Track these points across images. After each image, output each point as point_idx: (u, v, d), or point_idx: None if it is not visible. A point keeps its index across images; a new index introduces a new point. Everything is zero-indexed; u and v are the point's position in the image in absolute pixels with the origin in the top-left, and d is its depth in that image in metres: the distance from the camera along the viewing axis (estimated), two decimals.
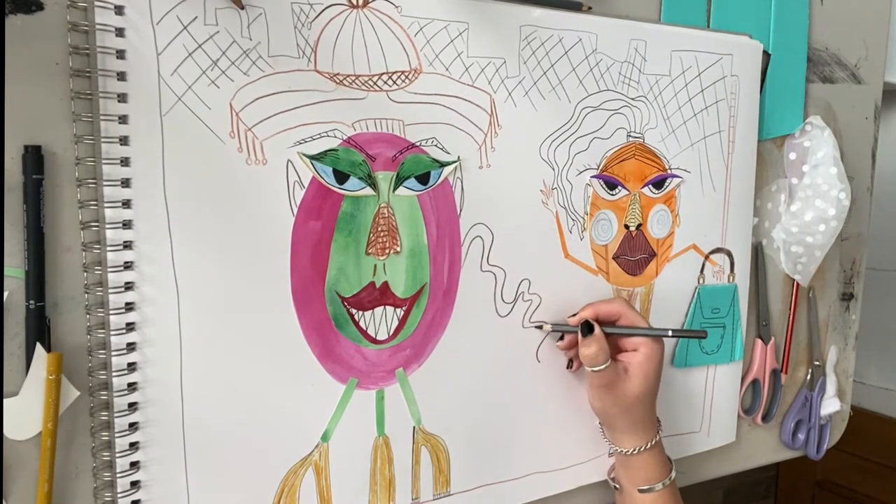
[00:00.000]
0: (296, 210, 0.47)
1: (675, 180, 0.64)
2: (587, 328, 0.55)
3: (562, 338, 0.59)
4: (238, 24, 0.43)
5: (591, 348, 0.54)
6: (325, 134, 0.47)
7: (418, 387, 0.53)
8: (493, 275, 0.55)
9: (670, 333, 0.57)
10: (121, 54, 0.40)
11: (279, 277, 0.47)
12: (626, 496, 0.60)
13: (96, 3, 0.39)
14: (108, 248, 0.41)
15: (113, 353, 0.42)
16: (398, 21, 0.49)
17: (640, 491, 0.58)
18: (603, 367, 0.54)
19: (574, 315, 0.57)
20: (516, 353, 0.57)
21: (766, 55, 0.69)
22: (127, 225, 0.41)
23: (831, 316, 0.81)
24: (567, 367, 0.60)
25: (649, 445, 0.57)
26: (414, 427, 0.53)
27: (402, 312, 0.52)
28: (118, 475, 0.42)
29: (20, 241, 0.40)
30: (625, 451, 0.58)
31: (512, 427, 0.58)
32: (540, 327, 0.57)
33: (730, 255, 0.69)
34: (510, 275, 0.56)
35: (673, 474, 0.59)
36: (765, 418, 0.76)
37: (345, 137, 0.48)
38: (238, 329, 0.45)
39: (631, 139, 0.61)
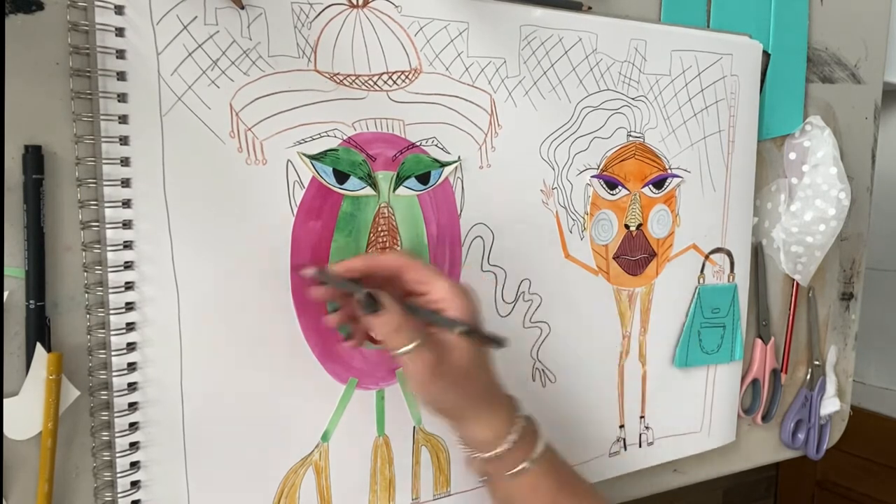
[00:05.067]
0: (296, 210, 0.47)
1: (676, 180, 0.64)
2: (372, 301, 0.42)
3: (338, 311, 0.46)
4: (238, 24, 0.43)
5: (390, 325, 0.42)
6: (325, 134, 0.47)
7: None
8: (493, 275, 0.55)
9: (466, 330, 0.43)
10: (121, 54, 0.40)
11: (279, 277, 0.46)
12: (492, 483, 0.48)
13: (96, 3, 0.39)
14: (108, 248, 0.41)
15: (113, 353, 0.42)
16: (398, 21, 0.49)
17: (509, 476, 0.46)
18: (413, 346, 0.42)
19: (341, 267, 0.45)
20: (516, 353, 0.57)
21: (766, 55, 0.69)
22: (127, 225, 0.41)
23: (831, 316, 0.81)
24: (345, 340, 0.48)
25: (517, 431, 0.45)
26: (414, 427, 0.53)
27: None
28: (118, 475, 0.42)
29: (20, 241, 0.40)
30: (486, 454, 0.45)
31: None
32: (311, 271, 0.45)
33: (730, 254, 0.69)
34: (510, 275, 0.56)
35: (541, 443, 0.47)
36: (765, 418, 0.76)
37: (345, 137, 0.48)
38: (238, 329, 0.45)
39: (631, 139, 0.61)
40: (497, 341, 0.44)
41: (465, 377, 0.44)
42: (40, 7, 0.39)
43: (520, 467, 0.45)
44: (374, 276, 0.45)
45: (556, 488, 0.47)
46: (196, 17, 0.42)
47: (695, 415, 0.69)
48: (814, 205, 0.71)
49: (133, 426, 0.43)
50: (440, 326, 0.43)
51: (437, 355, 0.43)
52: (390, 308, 0.43)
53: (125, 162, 0.41)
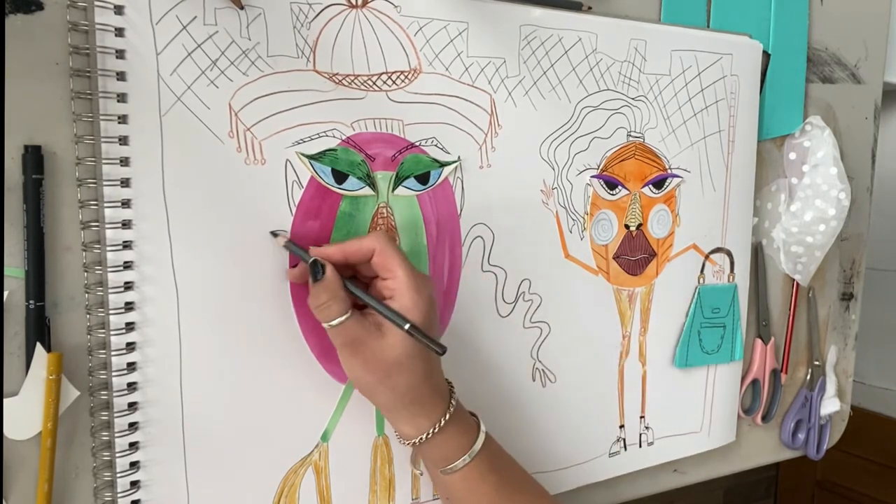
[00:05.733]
0: (294, 210, 0.47)
1: (676, 180, 0.64)
2: (317, 269, 0.43)
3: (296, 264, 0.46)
4: (237, 24, 0.43)
5: (319, 298, 0.43)
6: (323, 134, 0.47)
7: None
8: (493, 275, 0.55)
9: (407, 327, 0.43)
10: (120, 54, 0.40)
11: (278, 277, 0.47)
12: (433, 478, 0.49)
13: (96, 3, 0.39)
14: (108, 248, 0.41)
15: (113, 353, 0.42)
16: (397, 21, 0.49)
17: (443, 472, 0.46)
18: (337, 321, 0.43)
19: (320, 246, 0.45)
20: (517, 353, 0.57)
21: (766, 55, 0.69)
22: (127, 225, 0.41)
23: (831, 316, 0.81)
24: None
25: (436, 429, 0.45)
26: None
27: None
28: (118, 475, 0.42)
29: (20, 241, 0.40)
30: (406, 441, 0.46)
31: (512, 427, 0.58)
32: (275, 235, 0.45)
33: (730, 254, 0.69)
34: (511, 275, 0.56)
35: (479, 441, 0.47)
36: (765, 418, 0.76)
37: (344, 137, 0.48)
38: (237, 329, 0.45)
39: (631, 139, 0.61)
40: (436, 347, 0.44)
41: (390, 370, 0.43)
42: (40, 7, 0.39)
43: (451, 465, 0.46)
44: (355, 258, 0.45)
45: (494, 490, 0.47)
46: (195, 17, 0.42)
47: (695, 415, 0.69)
48: (814, 205, 0.71)
49: (133, 426, 0.43)
50: (384, 317, 0.44)
51: (364, 337, 0.43)
52: (328, 278, 0.43)
53: (125, 162, 0.41)
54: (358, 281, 0.47)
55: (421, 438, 0.45)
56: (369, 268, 0.46)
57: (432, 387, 0.46)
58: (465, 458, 0.46)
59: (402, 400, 0.45)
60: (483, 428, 0.48)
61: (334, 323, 0.43)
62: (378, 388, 0.44)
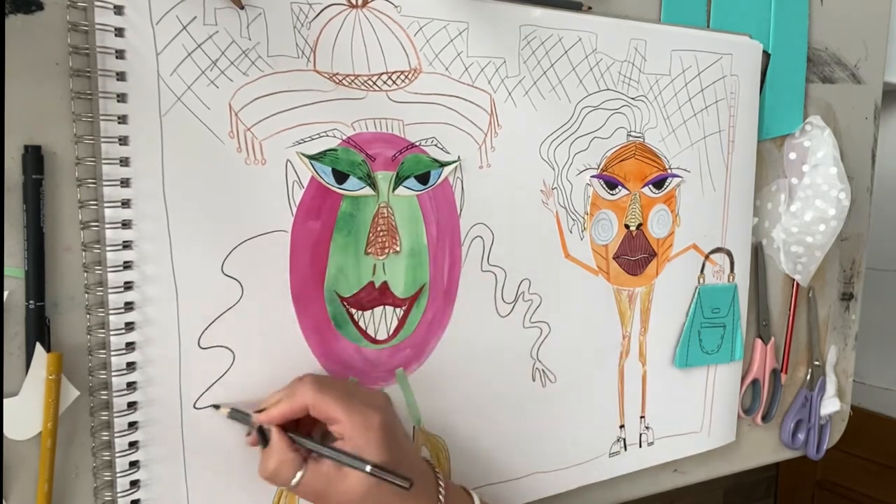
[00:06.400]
0: (295, 210, 0.47)
1: (676, 180, 0.64)
2: (262, 435, 0.44)
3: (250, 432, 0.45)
4: (237, 24, 0.43)
5: (270, 461, 0.42)
6: (324, 134, 0.47)
7: (418, 387, 0.53)
8: (493, 275, 0.55)
9: (368, 469, 0.42)
10: (120, 54, 0.40)
11: (278, 277, 0.47)
12: None
13: (96, 3, 0.39)
14: (108, 248, 0.41)
15: (113, 353, 0.42)
16: (398, 21, 0.49)
17: None
18: (294, 481, 0.42)
19: (260, 410, 0.44)
20: (516, 353, 0.57)
21: (766, 55, 0.69)
22: (126, 225, 0.41)
23: (831, 316, 0.81)
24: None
25: None
26: (414, 427, 0.53)
27: (402, 312, 0.52)
28: (118, 475, 0.42)
29: (20, 241, 0.40)
30: None
31: (512, 427, 0.58)
32: (217, 408, 0.45)
33: (730, 254, 0.69)
34: (510, 275, 0.56)
35: None
36: (765, 418, 0.76)
37: (344, 137, 0.48)
38: (237, 328, 0.45)
39: (631, 139, 0.61)
40: (401, 482, 0.42)
41: (359, 499, 0.42)
42: (40, 7, 0.39)
43: None
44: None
45: None
46: (195, 17, 0.42)
47: (695, 415, 0.69)
48: (814, 205, 0.71)
49: (133, 426, 0.43)
50: (345, 463, 0.43)
51: (326, 485, 0.42)
52: (274, 444, 0.43)
53: (125, 162, 0.41)
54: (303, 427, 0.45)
55: None
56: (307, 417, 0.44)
57: (415, 494, 0.44)
58: None
59: None
60: (477, 500, 0.49)
61: (293, 483, 0.42)
62: None
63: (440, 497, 0.46)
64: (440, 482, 0.47)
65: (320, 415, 0.43)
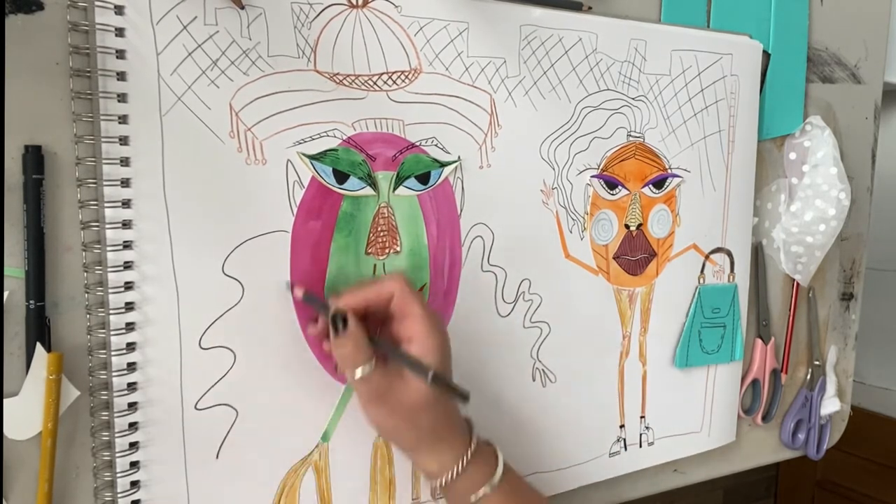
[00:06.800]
0: (295, 210, 0.47)
1: (676, 180, 0.64)
2: (340, 321, 0.43)
3: (317, 319, 0.46)
4: (238, 24, 0.43)
5: (345, 347, 0.43)
6: (324, 134, 0.47)
7: None
8: (493, 275, 0.55)
9: (430, 378, 0.43)
10: (121, 54, 0.40)
11: (279, 277, 0.46)
12: None
13: (96, 3, 0.39)
14: (108, 248, 0.41)
15: (113, 353, 0.42)
16: (398, 21, 0.49)
17: None
18: (360, 374, 0.43)
19: (337, 295, 0.45)
20: (517, 352, 0.57)
21: (766, 55, 0.69)
22: (127, 225, 0.41)
23: (831, 316, 0.81)
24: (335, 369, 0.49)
25: (461, 466, 0.45)
26: None
27: None
28: (118, 475, 0.42)
29: (20, 241, 0.40)
30: (436, 481, 0.46)
31: (512, 427, 0.58)
32: (292, 288, 0.45)
33: (730, 254, 0.69)
34: (511, 275, 0.56)
35: (499, 471, 0.47)
36: (765, 418, 0.76)
37: (344, 137, 0.48)
38: (237, 328, 0.45)
39: (631, 139, 0.61)
40: (461, 395, 0.44)
41: (415, 413, 0.44)
42: (40, 7, 0.39)
43: (474, 497, 0.46)
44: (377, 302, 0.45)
45: None
46: (196, 17, 0.42)
47: (695, 415, 0.69)
48: (814, 205, 0.71)
49: (133, 426, 0.43)
50: (412, 369, 0.43)
51: (388, 386, 0.44)
52: (351, 332, 0.43)
53: (125, 162, 0.41)
54: (367, 321, 0.46)
55: (447, 478, 0.45)
56: (381, 310, 0.46)
57: (454, 423, 0.46)
58: (485, 489, 0.46)
59: (427, 440, 0.45)
60: (501, 457, 0.48)
61: (359, 374, 0.43)
62: (402, 432, 0.45)
63: (472, 439, 0.47)
64: (472, 428, 0.48)
65: (402, 307, 0.44)
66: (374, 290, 0.45)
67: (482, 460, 0.47)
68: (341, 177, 0.48)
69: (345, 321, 0.43)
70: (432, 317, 0.45)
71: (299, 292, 0.45)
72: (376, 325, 0.47)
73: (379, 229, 0.50)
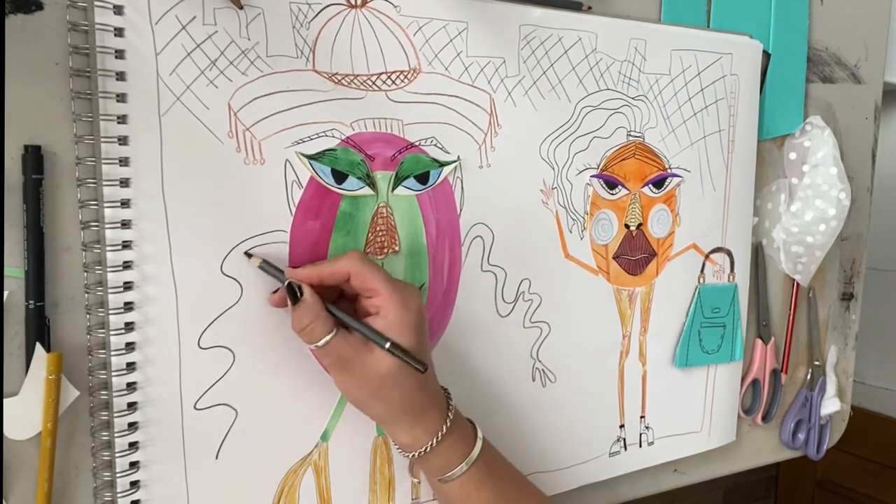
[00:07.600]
0: (294, 210, 0.47)
1: (676, 179, 0.64)
2: (292, 292, 0.43)
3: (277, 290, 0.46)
4: (236, 24, 0.43)
5: (302, 321, 0.43)
6: (323, 134, 0.47)
7: None
8: (493, 275, 0.55)
9: (387, 346, 0.43)
10: (120, 54, 0.40)
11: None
12: (432, 487, 0.49)
13: (96, 3, 0.39)
14: (108, 248, 0.41)
15: (113, 353, 0.42)
16: (397, 20, 0.49)
17: (440, 481, 0.47)
18: (322, 342, 0.43)
19: (296, 267, 0.45)
20: (516, 352, 0.57)
21: (766, 55, 0.69)
22: (126, 224, 0.41)
23: (831, 316, 0.81)
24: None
25: (436, 441, 0.45)
26: None
27: None
28: (118, 475, 0.42)
29: (20, 241, 0.40)
30: (407, 454, 0.46)
31: (512, 427, 0.58)
32: (250, 256, 0.45)
33: (730, 254, 0.69)
34: (510, 275, 0.56)
35: (476, 448, 0.47)
36: (765, 418, 0.76)
37: (343, 137, 0.48)
38: (237, 328, 0.45)
39: (631, 138, 0.61)
40: (416, 364, 0.43)
41: (383, 384, 0.43)
42: (40, 7, 0.39)
43: (449, 473, 0.46)
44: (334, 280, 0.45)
45: (492, 496, 0.47)
46: (195, 17, 0.42)
47: (695, 415, 0.69)
48: (814, 205, 0.71)
49: (132, 426, 0.43)
50: (370, 338, 0.44)
51: (352, 354, 0.43)
52: (307, 301, 0.43)
53: (124, 162, 0.41)
54: (344, 298, 0.47)
55: (421, 451, 0.45)
56: (348, 288, 0.46)
57: (427, 397, 0.46)
58: (462, 466, 0.46)
59: (397, 412, 0.45)
60: (480, 434, 0.48)
61: (320, 343, 0.43)
62: (371, 402, 0.45)
63: (448, 415, 0.46)
64: (450, 404, 0.48)
65: (361, 284, 0.44)
66: (328, 269, 0.44)
67: (459, 436, 0.47)
68: (340, 177, 0.48)
69: (300, 291, 0.43)
70: (397, 291, 0.44)
71: (256, 261, 0.45)
72: (351, 297, 0.47)
73: (377, 229, 0.50)
